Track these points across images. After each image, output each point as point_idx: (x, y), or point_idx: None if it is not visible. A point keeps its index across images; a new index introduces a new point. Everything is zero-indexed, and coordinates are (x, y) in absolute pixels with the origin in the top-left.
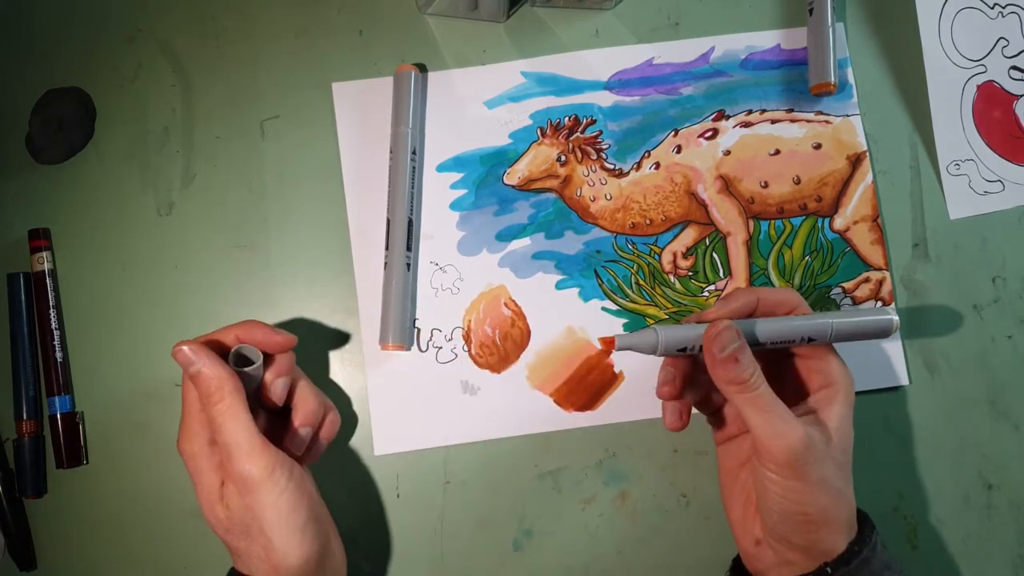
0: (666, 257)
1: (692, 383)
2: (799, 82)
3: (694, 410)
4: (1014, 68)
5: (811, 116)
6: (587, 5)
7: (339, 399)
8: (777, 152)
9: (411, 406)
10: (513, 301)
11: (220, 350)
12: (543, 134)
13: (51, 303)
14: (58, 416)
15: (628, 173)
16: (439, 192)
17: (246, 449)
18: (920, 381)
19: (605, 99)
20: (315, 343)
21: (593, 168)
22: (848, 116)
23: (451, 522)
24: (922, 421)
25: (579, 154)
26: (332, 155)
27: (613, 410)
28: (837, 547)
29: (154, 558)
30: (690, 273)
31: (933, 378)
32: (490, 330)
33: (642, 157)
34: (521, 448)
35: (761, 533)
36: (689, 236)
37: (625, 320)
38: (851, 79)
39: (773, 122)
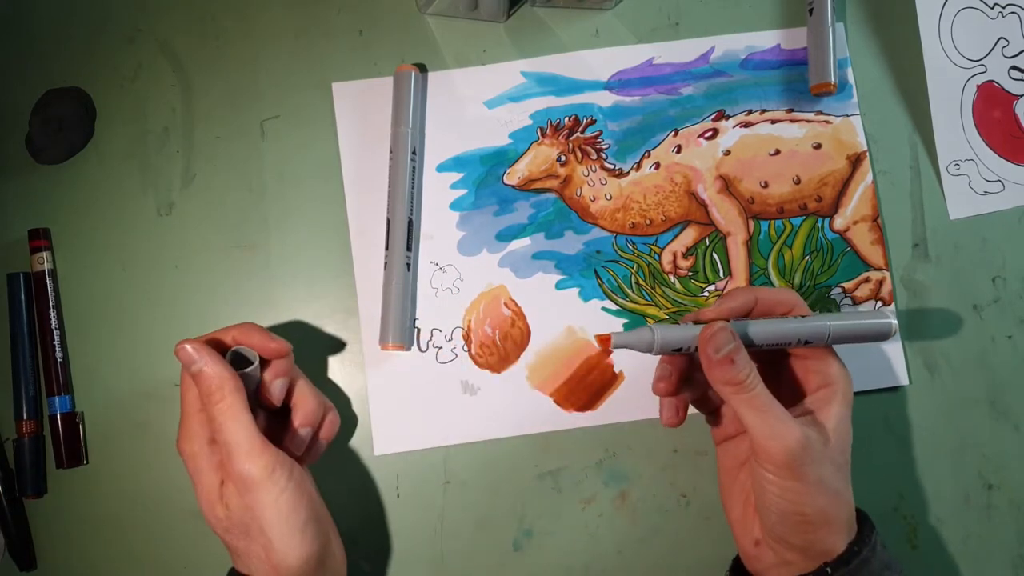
0: (666, 257)
1: (689, 380)
2: (799, 82)
3: (694, 410)
4: (1014, 68)
5: (811, 116)
6: (587, 5)
7: (339, 399)
8: (777, 152)
9: (411, 406)
10: (513, 301)
11: (218, 350)
12: (543, 134)
13: (51, 303)
14: (58, 416)
15: (628, 173)
16: (439, 192)
17: (246, 449)
18: (920, 381)
19: (605, 99)
20: (315, 343)
21: (593, 168)
22: (848, 116)
23: (451, 522)
24: (922, 421)
25: (579, 154)
26: (332, 155)
27: (613, 410)
28: (836, 547)
29: (154, 558)
30: (690, 273)
31: (933, 378)
32: (490, 330)
33: (642, 157)
34: (521, 448)
35: (760, 533)
36: (689, 236)
37: (625, 320)
38: (851, 79)
39: (773, 122)
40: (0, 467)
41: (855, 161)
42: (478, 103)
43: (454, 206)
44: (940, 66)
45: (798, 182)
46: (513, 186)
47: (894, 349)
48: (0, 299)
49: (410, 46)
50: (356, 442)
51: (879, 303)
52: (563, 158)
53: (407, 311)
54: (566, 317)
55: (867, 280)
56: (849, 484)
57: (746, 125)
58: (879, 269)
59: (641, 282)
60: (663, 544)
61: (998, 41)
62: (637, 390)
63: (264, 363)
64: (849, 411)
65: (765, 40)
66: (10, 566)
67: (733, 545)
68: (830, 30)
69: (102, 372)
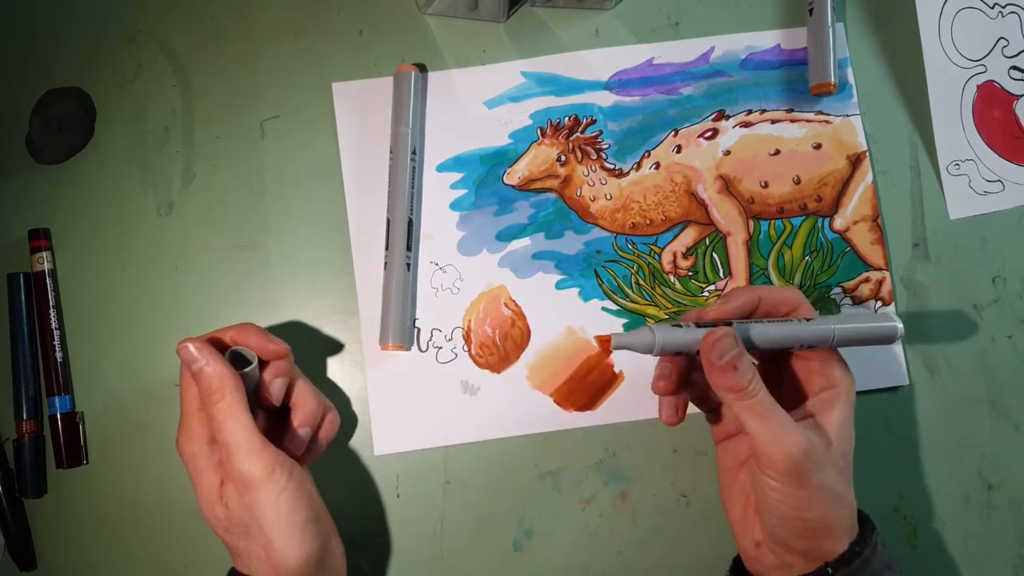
0: (666, 257)
1: (689, 379)
2: (799, 82)
3: (695, 409)
4: (1014, 68)
5: (811, 116)
6: (587, 5)
7: (339, 399)
8: (777, 152)
9: (411, 406)
10: (513, 301)
11: (218, 350)
12: (543, 134)
13: (51, 303)
14: (58, 416)
15: (628, 173)
16: (439, 192)
17: (246, 448)
18: (920, 381)
19: (605, 99)
20: (315, 343)
21: (593, 168)
22: (848, 116)
23: (451, 522)
24: (922, 421)
25: (579, 154)
26: (332, 155)
27: (613, 410)
28: (837, 550)
29: (154, 558)
30: (690, 273)
31: (933, 378)
32: (490, 330)
33: (642, 157)
34: (521, 448)
35: (761, 535)
36: (689, 236)
37: (625, 320)
38: (851, 79)
39: (773, 122)
40: (0, 467)
41: (855, 161)
42: (478, 103)
43: (454, 206)
44: (940, 66)
45: (798, 182)
46: (513, 186)
47: (894, 349)
48: (0, 299)
49: (410, 46)
50: (356, 442)
51: (879, 303)
52: (563, 158)
53: (407, 311)
54: (566, 317)
55: (867, 280)
56: (851, 486)
57: (746, 125)
58: (879, 269)
59: (641, 282)
60: (663, 544)
61: (998, 41)
62: (637, 390)
63: (263, 363)
64: (852, 413)
65: (765, 40)
66: (10, 566)
67: (733, 545)
68: (830, 30)
69: (102, 372)
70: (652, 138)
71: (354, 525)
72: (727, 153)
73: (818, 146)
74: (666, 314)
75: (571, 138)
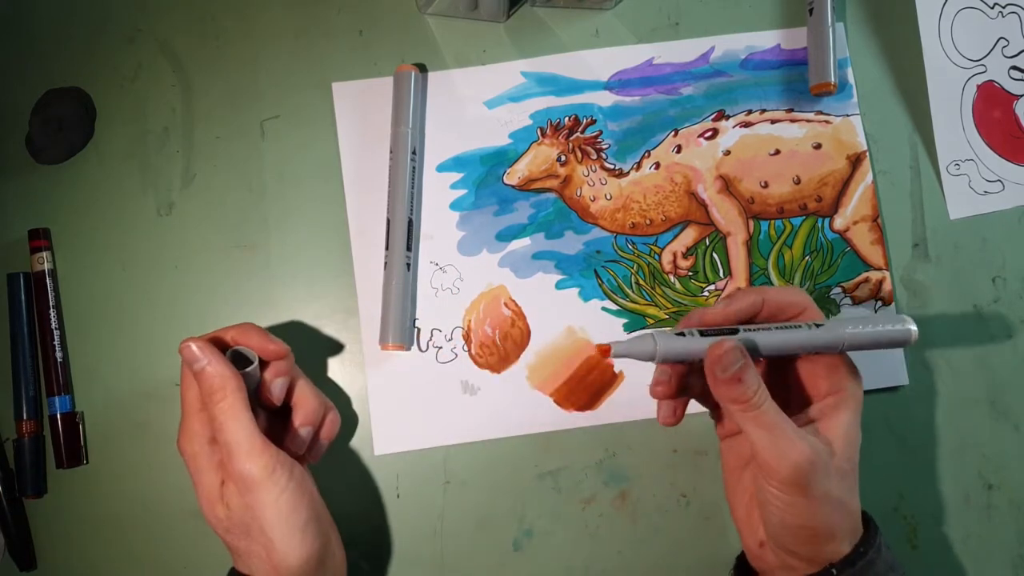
0: (666, 257)
1: (691, 378)
2: (799, 82)
3: (695, 409)
4: (1014, 68)
5: (811, 116)
6: (587, 5)
7: (339, 399)
8: (777, 152)
9: (411, 406)
10: (513, 301)
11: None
12: (543, 134)
13: (51, 303)
14: (58, 416)
15: (628, 173)
16: (439, 192)
17: (246, 448)
18: (920, 381)
19: (605, 99)
20: (315, 343)
21: (593, 168)
22: (848, 116)
23: (451, 522)
24: (922, 421)
25: (579, 154)
26: (332, 155)
27: (613, 410)
28: (841, 552)
29: (154, 558)
30: (690, 273)
31: (933, 378)
32: (490, 330)
33: (642, 157)
34: (521, 448)
35: (764, 536)
36: (689, 236)
37: (625, 320)
38: (851, 79)
39: (773, 122)
40: (0, 467)
41: (855, 161)
42: (478, 103)
43: (454, 206)
44: (940, 66)
45: (798, 182)
46: (513, 186)
47: (894, 349)
48: (0, 299)
49: (410, 46)
50: (356, 442)
51: (879, 303)
52: (563, 158)
53: (407, 311)
54: (566, 317)
55: (867, 280)
56: (855, 491)
57: (746, 125)
58: (879, 269)
59: (641, 282)
60: (663, 544)
61: (998, 41)
62: (637, 390)
63: (264, 363)
64: (858, 418)
65: (765, 40)
66: (10, 566)
67: (733, 545)
68: (830, 30)
69: (102, 372)
70: (652, 138)
71: (354, 525)
72: (727, 153)
73: (818, 146)
74: (666, 314)
75: (571, 138)
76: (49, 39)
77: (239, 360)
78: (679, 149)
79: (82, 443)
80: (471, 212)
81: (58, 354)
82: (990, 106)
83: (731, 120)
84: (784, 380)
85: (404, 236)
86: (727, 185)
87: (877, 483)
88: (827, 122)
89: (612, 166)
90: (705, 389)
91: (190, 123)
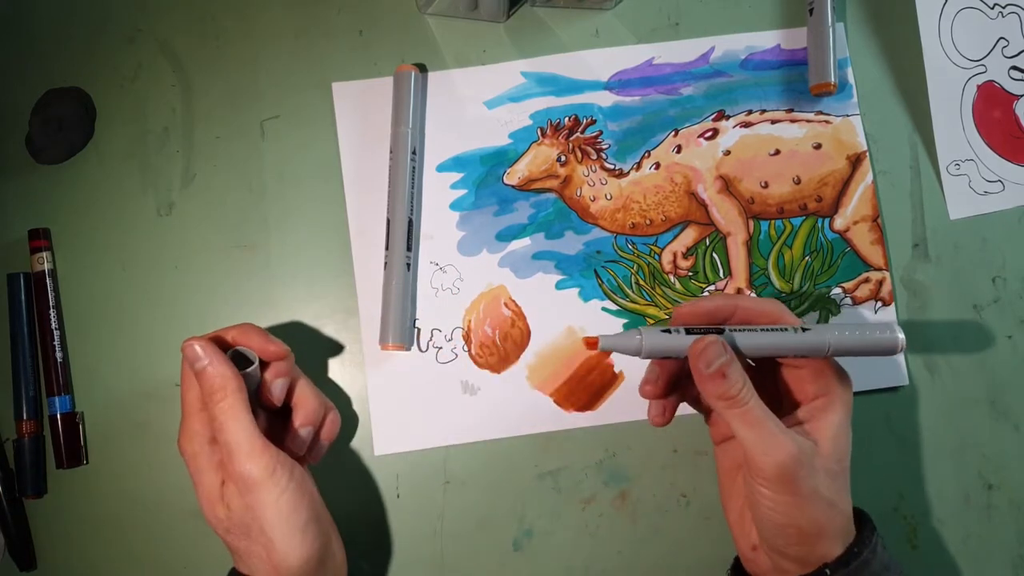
0: (666, 257)
1: (682, 381)
2: (799, 82)
3: (694, 409)
4: (1014, 68)
5: (811, 116)
6: (587, 5)
7: (339, 399)
8: (777, 152)
9: (411, 406)
10: (513, 301)
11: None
12: (543, 134)
13: (51, 303)
14: (58, 416)
15: (628, 173)
16: (439, 192)
17: (247, 449)
18: (920, 381)
19: (605, 99)
20: (315, 343)
21: (593, 168)
22: (848, 116)
23: (451, 522)
24: (922, 421)
25: (579, 154)
26: (332, 155)
27: (613, 410)
28: (832, 553)
29: (154, 558)
30: (690, 273)
31: (933, 378)
32: (490, 330)
33: (642, 157)
34: (521, 448)
35: (758, 539)
36: (689, 236)
37: (625, 320)
38: (851, 79)
39: (773, 122)
40: (0, 467)
41: (855, 161)
42: (478, 103)
43: (454, 206)
44: (940, 66)
45: (798, 182)
46: (513, 186)
47: None
48: (0, 299)
49: (410, 46)
50: (356, 442)
51: (879, 303)
52: (563, 158)
53: (407, 311)
54: (566, 317)
55: (867, 280)
56: (846, 492)
57: (746, 125)
58: (879, 269)
59: (641, 282)
60: (663, 544)
61: (998, 41)
62: (637, 390)
63: (264, 363)
64: (848, 419)
65: (765, 40)
66: (10, 566)
67: (733, 545)
68: (830, 30)
69: (102, 372)
70: (652, 138)
71: (354, 525)
72: (727, 153)
73: (818, 146)
74: (666, 314)
75: (571, 138)
76: (49, 39)
77: (240, 360)
78: (679, 149)
79: (82, 443)
80: (471, 212)
81: (58, 354)
82: (990, 106)
83: (731, 120)
84: (773, 384)
85: (404, 236)
86: (727, 185)
87: (877, 483)
88: (827, 122)
89: (612, 166)
90: (698, 393)
91: (190, 123)
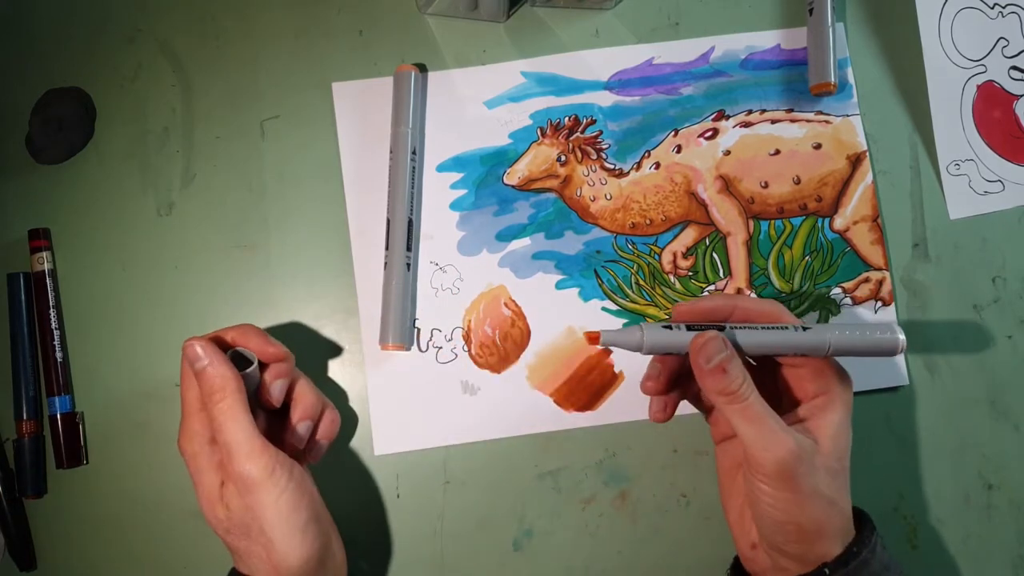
0: (666, 257)
1: (684, 379)
2: (799, 82)
3: (694, 409)
4: (1014, 68)
5: (811, 116)
6: (587, 5)
7: (339, 399)
8: (777, 152)
9: (411, 406)
10: (513, 301)
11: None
12: (543, 134)
13: (51, 303)
14: (58, 416)
15: (628, 173)
16: (439, 192)
17: (246, 449)
18: (920, 381)
19: (605, 99)
20: (315, 343)
21: (593, 168)
22: (848, 116)
23: (451, 522)
24: (922, 421)
25: (579, 154)
26: (332, 155)
27: (613, 410)
28: (832, 552)
29: (154, 558)
30: (690, 273)
31: (933, 378)
32: (490, 330)
33: (642, 157)
34: (521, 448)
35: (757, 538)
36: (689, 236)
37: (625, 320)
38: (851, 79)
39: (773, 122)
40: (0, 467)
41: (855, 161)
42: (478, 103)
43: (454, 206)
44: (940, 66)
45: (798, 182)
46: (513, 186)
47: None
48: (0, 299)
49: (410, 46)
50: (356, 442)
51: (879, 303)
52: (563, 158)
53: (407, 311)
54: (566, 317)
55: (867, 280)
56: (846, 491)
57: (746, 125)
58: (879, 269)
59: (641, 282)
60: (663, 544)
61: (998, 41)
62: (637, 390)
63: (264, 364)
64: (848, 417)
65: (765, 40)
66: (10, 566)
67: (733, 545)
68: (830, 30)
69: (102, 372)
70: (652, 138)
71: (354, 525)
72: (727, 153)
73: (818, 146)
74: (666, 314)
75: (571, 138)
76: (49, 39)
77: (239, 361)
78: (679, 149)
79: (82, 443)
80: (471, 212)
81: (58, 354)
82: (990, 106)
83: (731, 120)
84: (773, 383)
85: (404, 236)
86: (727, 185)
87: (877, 483)
88: (827, 122)
89: (612, 166)
90: (698, 390)
91: (190, 123)
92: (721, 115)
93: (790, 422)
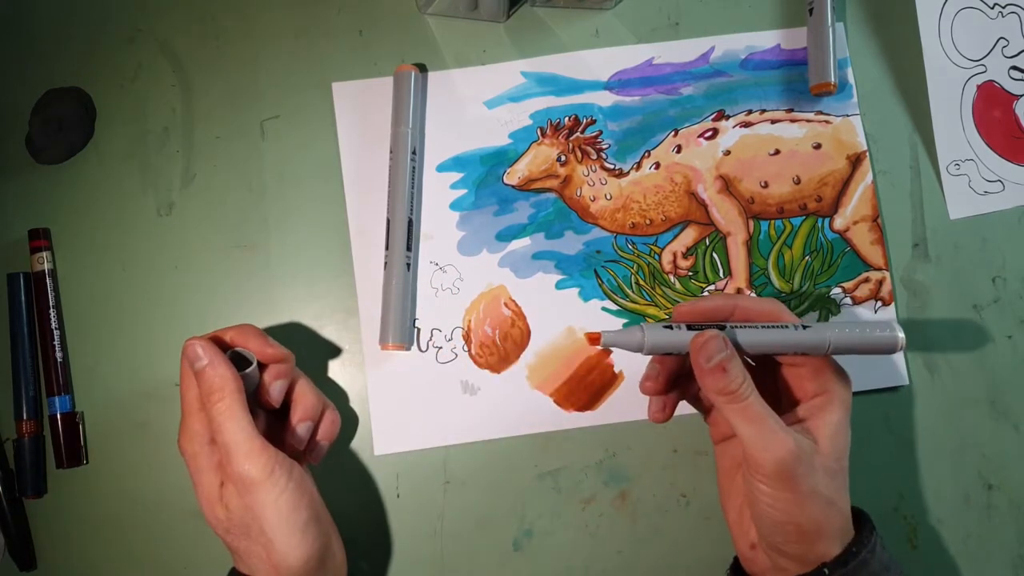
0: (666, 257)
1: (683, 379)
2: (799, 82)
3: (693, 409)
4: (1014, 68)
5: (811, 116)
6: (587, 5)
7: (339, 399)
8: (777, 152)
9: (411, 406)
10: (513, 301)
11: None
12: (543, 134)
13: (51, 303)
14: (58, 416)
15: (628, 173)
16: (439, 192)
17: (244, 449)
18: (920, 381)
19: (605, 99)
20: (315, 343)
21: (593, 168)
22: (848, 116)
23: (451, 522)
24: (922, 421)
25: (579, 154)
26: (332, 155)
27: (613, 410)
28: (831, 553)
29: (154, 558)
30: (690, 273)
31: (933, 378)
32: (490, 330)
33: (642, 157)
34: (521, 448)
35: (756, 538)
36: (689, 236)
37: (625, 320)
38: (851, 79)
39: (773, 122)
40: (0, 467)
41: (855, 161)
42: (478, 103)
43: (454, 206)
44: (940, 66)
45: (798, 182)
46: (513, 186)
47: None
48: (0, 299)
49: (410, 46)
50: (356, 442)
51: (879, 303)
52: (563, 158)
53: (407, 311)
54: (566, 317)
55: (867, 280)
56: (845, 491)
57: (746, 125)
58: (879, 269)
59: (641, 282)
60: (663, 544)
61: (998, 41)
62: (637, 390)
63: (263, 364)
64: (847, 417)
65: (765, 40)
66: (10, 566)
67: (732, 545)
68: (830, 30)
69: (102, 372)
70: (652, 138)
71: (354, 525)
72: (727, 153)
73: (818, 146)
74: (666, 314)
75: (571, 138)
76: (49, 39)
77: (239, 361)
78: (679, 149)
79: (82, 443)
80: (471, 212)
81: (58, 354)
82: (990, 106)
83: (731, 120)
84: (772, 383)
85: (404, 236)
86: (727, 185)
87: (877, 483)
88: (827, 122)
89: (612, 166)
90: (698, 390)
91: (190, 123)
92: (721, 115)
93: (789, 422)
